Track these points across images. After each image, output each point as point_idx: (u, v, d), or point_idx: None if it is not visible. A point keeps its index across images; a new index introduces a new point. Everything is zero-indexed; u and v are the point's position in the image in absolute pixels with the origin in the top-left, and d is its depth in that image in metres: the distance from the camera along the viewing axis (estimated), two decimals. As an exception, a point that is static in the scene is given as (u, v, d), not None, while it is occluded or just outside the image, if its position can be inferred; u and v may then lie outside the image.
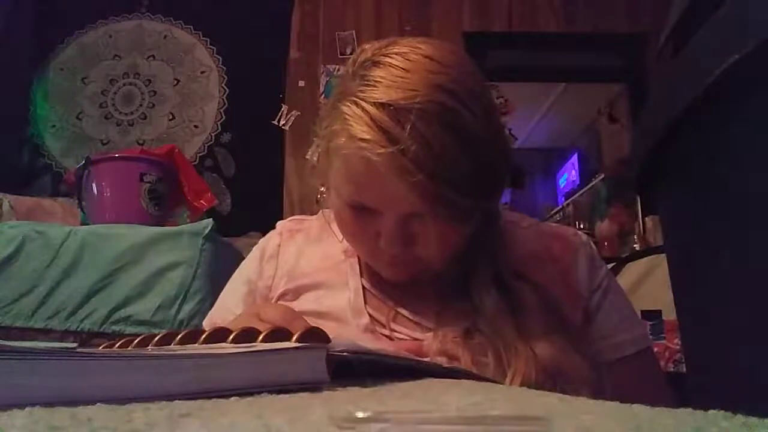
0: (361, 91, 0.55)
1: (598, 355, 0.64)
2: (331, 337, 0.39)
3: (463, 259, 0.64)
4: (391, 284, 0.67)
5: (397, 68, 0.55)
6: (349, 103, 0.56)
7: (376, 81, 0.55)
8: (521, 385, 0.53)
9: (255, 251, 0.76)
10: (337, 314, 0.65)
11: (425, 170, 0.52)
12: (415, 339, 0.62)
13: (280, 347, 0.32)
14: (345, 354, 0.36)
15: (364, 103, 0.54)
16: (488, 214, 0.64)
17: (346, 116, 0.55)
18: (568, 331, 0.60)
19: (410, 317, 0.64)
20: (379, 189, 0.56)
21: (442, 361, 0.56)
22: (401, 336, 0.63)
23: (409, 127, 0.51)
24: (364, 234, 0.61)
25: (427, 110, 0.52)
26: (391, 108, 0.53)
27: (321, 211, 0.77)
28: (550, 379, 0.54)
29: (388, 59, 0.56)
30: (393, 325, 0.64)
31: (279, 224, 0.78)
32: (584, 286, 0.66)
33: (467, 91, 0.55)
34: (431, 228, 0.57)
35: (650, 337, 0.70)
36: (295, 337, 0.35)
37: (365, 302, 0.66)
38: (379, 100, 0.53)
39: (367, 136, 0.53)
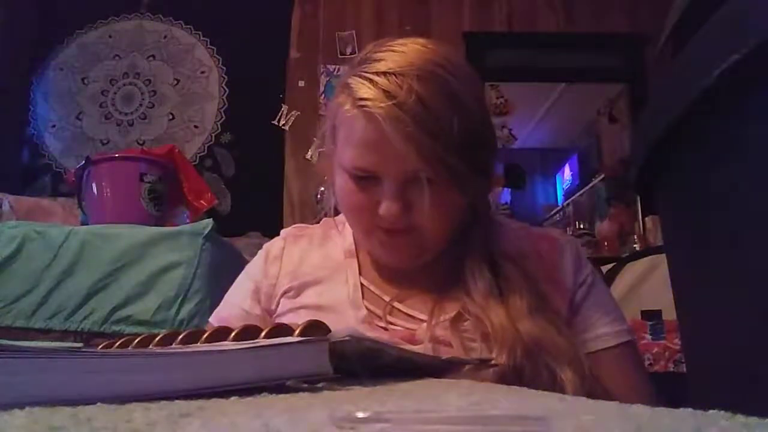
0: (363, 68, 0.62)
1: (582, 347, 0.66)
2: (331, 329, 0.39)
3: (456, 247, 0.68)
4: (389, 276, 0.71)
5: (396, 51, 0.62)
6: (353, 77, 0.63)
7: (377, 59, 0.62)
8: (506, 361, 0.57)
9: (260, 253, 0.79)
10: (336, 307, 0.68)
11: (420, 124, 0.58)
12: (409, 329, 0.65)
13: (282, 342, 0.33)
14: (347, 338, 0.36)
15: (366, 74, 0.61)
16: (480, 198, 0.69)
17: (351, 85, 0.62)
18: (551, 313, 0.63)
19: (405, 310, 0.68)
20: (379, 148, 0.61)
21: (432, 347, 0.61)
22: (396, 328, 0.66)
23: (406, 87, 0.58)
24: (364, 205, 0.65)
25: (422, 76, 0.59)
26: (391, 74, 0.60)
27: (324, 219, 0.82)
28: (533, 357, 0.58)
29: (388, 47, 0.64)
30: (389, 317, 0.67)
31: (283, 231, 0.81)
32: (570, 281, 0.70)
33: (458, 68, 0.63)
34: (428, 194, 0.61)
35: (633, 334, 0.71)
36: (297, 332, 0.35)
37: (363, 297, 0.69)
38: (380, 70, 0.61)
39: (368, 95, 0.60)
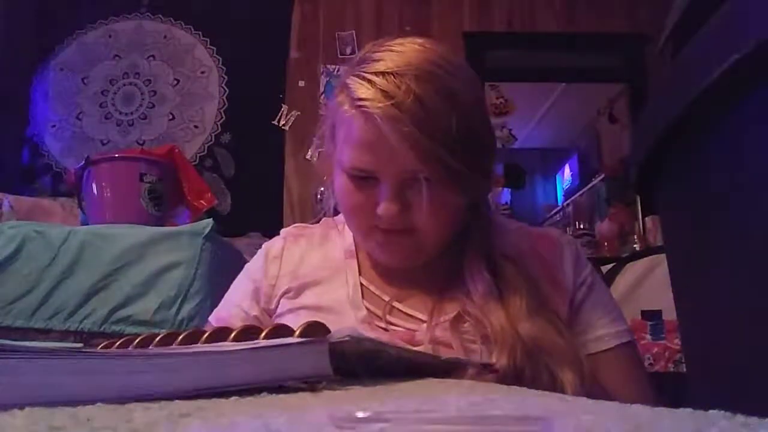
0: (362, 68, 0.62)
1: (582, 348, 0.66)
2: (331, 329, 0.39)
3: (455, 247, 0.68)
4: (389, 276, 0.71)
5: (395, 51, 0.62)
6: (352, 77, 0.63)
7: (376, 59, 0.62)
8: (506, 363, 0.57)
9: (260, 253, 0.79)
10: (336, 308, 0.68)
11: (418, 123, 0.58)
12: (409, 330, 0.65)
13: (282, 343, 0.33)
14: (347, 338, 0.36)
15: (365, 74, 0.61)
16: (479, 198, 0.69)
17: (349, 86, 0.62)
18: (551, 314, 0.63)
19: (405, 310, 0.68)
20: (377, 148, 0.61)
21: (432, 349, 0.61)
22: (396, 328, 0.66)
23: (404, 87, 0.58)
24: (363, 206, 0.65)
25: (420, 76, 0.59)
26: (389, 74, 0.60)
27: (324, 219, 0.82)
28: (533, 358, 0.58)
29: (387, 47, 0.64)
30: (389, 317, 0.67)
31: (283, 230, 0.81)
32: (569, 281, 0.69)
33: (457, 68, 0.63)
34: (426, 195, 0.61)
35: (632, 334, 0.71)
36: (297, 333, 0.35)
37: (362, 297, 0.69)
38: (379, 70, 0.60)
39: (367, 95, 0.60)
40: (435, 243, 0.67)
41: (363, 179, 0.63)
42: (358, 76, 0.62)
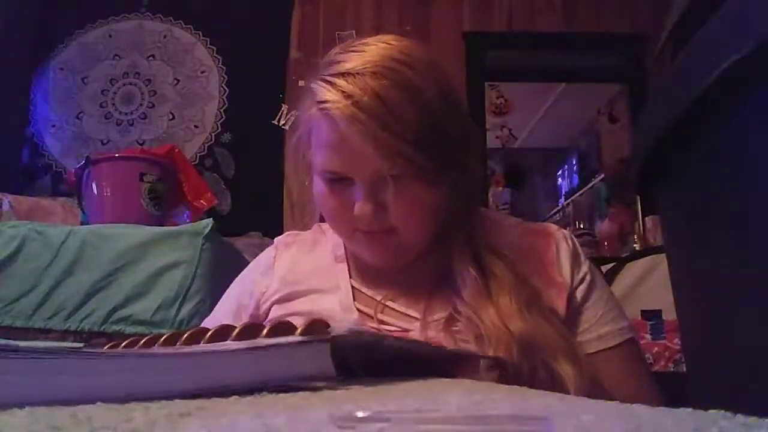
0: (326, 71, 0.63)
1: (585, 347, 0.66)
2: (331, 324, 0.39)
3: (443, 242, 0.67)
4: (379, 277, 0.70)
5: (357, 52, 0.63)
6: (317, 81, 0.63)
7: (338, 61, 0.63)
8: (502, 362, 0.56)
9: (252, 265, 0.80)
10: (329, 314, 0.67)
11: (377, 120, 0.58)
12: (403, 329, 0.65)
13: (284, 342, 0.32)
14: (347, 332, 0.36)
15: (327, 77, 0.62)
16: (463, 190, 0.67)
17: (313, 90, 0.63)
18: (543, 309, 0.62)
19: (397, 308, 0.68)
20: (344, 150, 0.61)
21: None
22: (389, 328, 0.66)
23: (362, 85, 0.59)
24: (340, 209, 0.65)
25: (378, 72, 0.59)
26: (349, 74, 0.60)
27: (315, 225, 0.82)
28: (529, 355, 0.57)
29: (351, 48, 0.64)
30: (381, 316, 0.67)
31: (276, 239, 0.82)
32: (567, 277, 0.68)
33: (417, 61, 0.62)
34: (398, 193, 0.61)
35: (634, 330, 0.71)
36: (298, 331, 0.35)
37: (354, 299, 0.69)
38: (339, 71, 0.61)
39: (327, 97, 0.60)
40: (418, 241, 0.67)
41: (337, 182, 0.64)
42: (321, 79, 0.62)
